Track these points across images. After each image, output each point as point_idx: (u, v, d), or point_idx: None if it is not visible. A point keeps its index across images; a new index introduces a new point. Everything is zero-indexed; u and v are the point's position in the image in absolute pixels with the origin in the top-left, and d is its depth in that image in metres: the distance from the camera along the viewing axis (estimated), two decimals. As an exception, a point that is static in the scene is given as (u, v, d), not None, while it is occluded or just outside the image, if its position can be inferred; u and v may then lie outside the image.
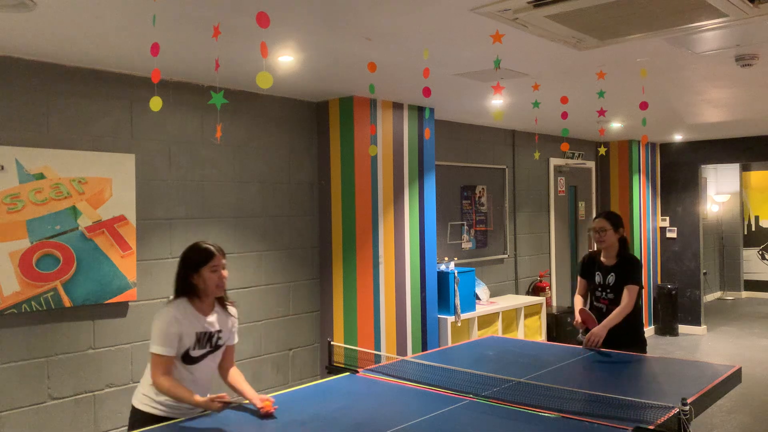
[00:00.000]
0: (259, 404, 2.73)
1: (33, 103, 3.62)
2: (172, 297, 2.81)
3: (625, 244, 4.11)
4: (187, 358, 2.74)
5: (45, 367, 3.67)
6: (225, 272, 2.81)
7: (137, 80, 4.04)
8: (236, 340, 3.00)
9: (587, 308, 4.14)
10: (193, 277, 2.75)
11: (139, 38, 3.24)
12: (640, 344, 4.05)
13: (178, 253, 4.34)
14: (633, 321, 4.01)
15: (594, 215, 4.34)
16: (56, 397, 3.72)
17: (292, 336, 4.98)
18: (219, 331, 2.86)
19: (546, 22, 3.05)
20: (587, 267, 4.22)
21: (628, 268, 4.02)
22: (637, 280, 3.99)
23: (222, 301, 2.90)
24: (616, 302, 3.98)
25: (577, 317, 4.04)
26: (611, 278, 4.03)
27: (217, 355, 2.88)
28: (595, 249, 4.25)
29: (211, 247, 2.80)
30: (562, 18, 2.98)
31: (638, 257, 4.24)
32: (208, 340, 2.81)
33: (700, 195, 8.99)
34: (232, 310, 2.96)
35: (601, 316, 4.02)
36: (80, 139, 3.80)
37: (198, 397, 2.63)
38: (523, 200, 7.40)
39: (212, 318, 2.83)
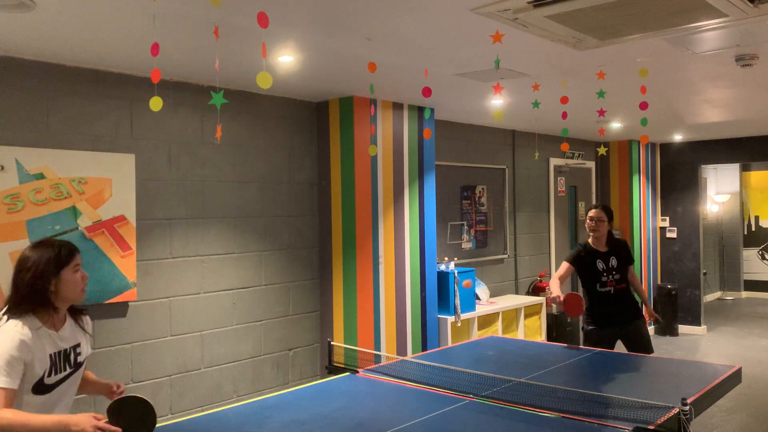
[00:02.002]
0: (114, 389, 2.57)
1: (33, 103, 3.62)
2: (5, 314, 2.19)
3: (610, 233, 4.65)
4: (40, 388, 2.19)
5: (45, 367, 3.66)
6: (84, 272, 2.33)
7: (137, 80, 4.04)
8: (90, 351, 2.49)
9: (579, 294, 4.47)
10: (51, 282, 2.20)
11: (139, 38, 3.24)
12: (641, 312, 4.62)
13: (179, 253, 4.38)
14: (632, 294, 4.61)
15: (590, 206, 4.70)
16: (56, 397, 3.71)
17: (292, 336, 4.98)
18: (77, 346, 2.35)
19: (546, 22, 3.05)
20: (584, 258, 4.54)
21: (626, 251, 4.63)
22: (633, 259, 4.70)
23: (74, 310, 2.38)
24: (620, 281, 4.50)
25: (561, 297, 4.27)
26: (613, 261, 4.51)
27: (78, 376, 2.38)
28: (588, 240, 4.67)
29: (68, 242, 2.30)
30: (562, 18, 2.98)
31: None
32: (65, 360, 2.29)
33: (700, 195, 8.98)
34: (86, 320, 2.45)
35: (609, 298, 4.47)
36: (80, 139, 3.80)
37: (62, 417, 2.11)
38: (523, 200, 7.40)
39: (65, 331, 2.31)
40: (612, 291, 4.47)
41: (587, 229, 4.59)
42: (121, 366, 3.98)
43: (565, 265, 4.56)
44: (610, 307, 4.48)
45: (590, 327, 4.55)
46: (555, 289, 4.34)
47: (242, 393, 4.63)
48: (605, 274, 4.47)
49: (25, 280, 2.17)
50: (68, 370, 2.29)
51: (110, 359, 3.93)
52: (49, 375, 2.21)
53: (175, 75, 4.10)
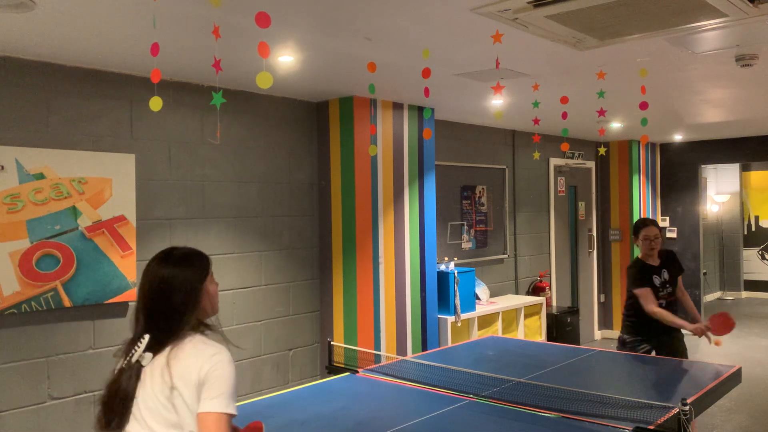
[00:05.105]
0: None
1: (33, 103, 3.62)
2: (177, 340, 1.88)
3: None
4: None
5: (45, 367, 3.67)
6: None
7: (137, 80, 4.04)
8: None
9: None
10: (201, 300, 1.96)
11: (139, 38, 3.24)
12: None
13: (178, 253, 4.36)
14: (678, 306, 4.49)
15: (639, 222, 4.48)
16: (56, 397, 3.72)
17: (292, 336, 4.98)
18: None
19: (546, 22, 3.05)
20: (649, 275, 4.40)
21: (675, 261, 4.54)
22: (683, 268, 4.62)
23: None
24: (672, 293, 4.44)
25: (706, 324, 4.15)
26: (665, 274, 4.45)
27: None
28: (640, 256, 4.52)
29: (197, 249, 2.10)
30: (562, 18, 2.98)
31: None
32: None
33: (700, 195, 8.98)
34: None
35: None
36: (80, 139, 3.80)
37: None
38: (523, 200, 7.41)
39: None
40: (665, 304, 4.36)
41: (645, 250, 4.42)
42: (121, 366, 3.98)
43: (647, 291, 4.31)
44: (659, 322, 4.29)
45: (632, 338, 4.38)
46: (685, 323, 4.21)
47: (242, 393, 4.63)
48: (661, 288, 4.37)
49: (180, 300, 1.91)
50: None
51: (110, 359, 3.93)
52: None
53: (175, 75, 4.10)
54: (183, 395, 1.80)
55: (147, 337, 1.87)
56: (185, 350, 1.85)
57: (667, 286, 4.41)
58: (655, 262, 4.46)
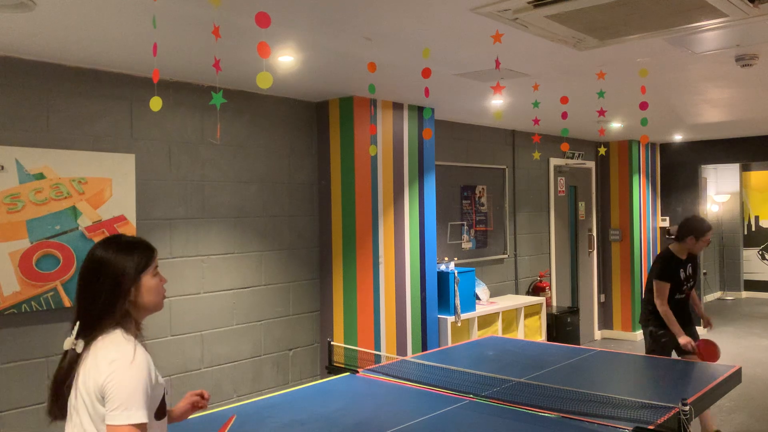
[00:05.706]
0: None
1: (33, 103, 3.62)
2: (102, 331, 1.78)
3: None
4: (161, 411, 1.85)
5: (45, 367, 3.67)
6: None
7: (137, 80, 4.04)
8: None
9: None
10: (131, 291, 1.83)
11: (139, 38, 3.24)
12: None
13: (179, 253, 4.38)
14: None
15: (704, 223, 4.56)
16: (56, 397, 3.71)
17: (292, 336, 4.98)
18: None
19: (546, 22, 3.05)
20: (676, 268, 4.49)
21: (696, 257, 4.65)
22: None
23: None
24: (693, 287, 4.57)
25: (692, 344, 4.30)
26: (690, 268, 4.55)
27: None
28: (668, 250, 4.58)
29: (144, 240, 1.94)
30: (562, 18, 2.98)
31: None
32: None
33: (700, 195, 8.98)
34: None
35: (680, 305, 4.46)
36: (80, 139, 3.80)
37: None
38: (523, 200, 7.41)
39: None
40: (684, 297, 4.51)
41: (697, 251, 4.52)
42: (121, 366, 3.97)
43: (666, 286, 4.41)
44: (680, 314, 4.43)
45: (661, 331, 4.44)
46: (681, 333, 4.31)
47: (242, 393, 4.63)
48: (685, 282, 4.48)
49: (106, 287, 1.81)
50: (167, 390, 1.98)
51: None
52: (168, 393, 1.91)
53: (175, 75, 4.10)
54: (84, 399, 1.75)
55: (78, 323, 1.80)
56: (92, 351, 1.76)
57: (690, 280, 4.52)
58: (683, 255, 4.54)
